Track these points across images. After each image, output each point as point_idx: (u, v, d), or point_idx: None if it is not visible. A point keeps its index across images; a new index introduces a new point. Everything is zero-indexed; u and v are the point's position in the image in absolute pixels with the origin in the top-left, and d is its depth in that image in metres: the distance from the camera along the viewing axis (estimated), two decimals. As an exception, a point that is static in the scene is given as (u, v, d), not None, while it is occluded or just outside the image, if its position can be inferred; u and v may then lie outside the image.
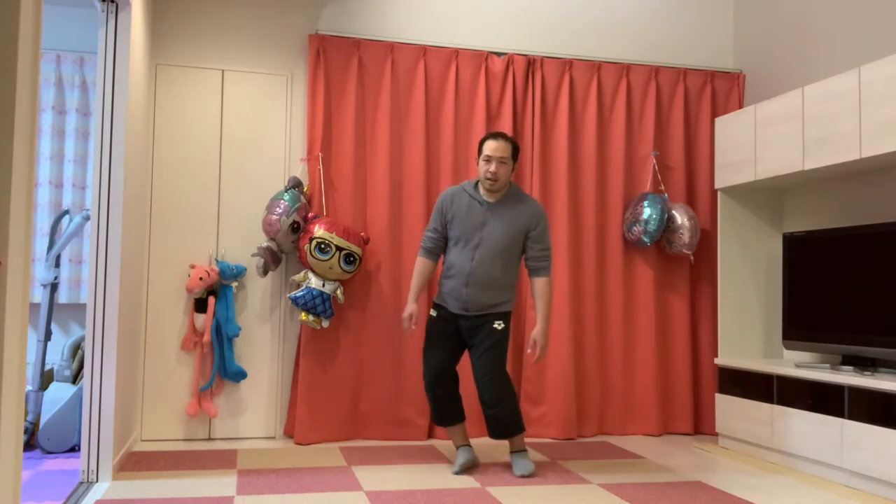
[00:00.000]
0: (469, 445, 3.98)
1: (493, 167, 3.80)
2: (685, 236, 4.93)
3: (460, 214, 3.88)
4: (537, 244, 3.87)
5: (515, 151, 3.88)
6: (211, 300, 4.55)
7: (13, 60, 2.20)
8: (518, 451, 3.92)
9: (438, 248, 3.96)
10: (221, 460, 4.09)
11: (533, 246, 3.87)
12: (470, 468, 3.91)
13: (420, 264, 3.96)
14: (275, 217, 4.45)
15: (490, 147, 3.82)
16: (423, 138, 4.86)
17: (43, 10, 3.89)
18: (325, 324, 4.57)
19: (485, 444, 4.63)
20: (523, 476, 3.81)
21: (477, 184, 3.94)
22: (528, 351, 3.90)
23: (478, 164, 3.89)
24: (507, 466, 4.05)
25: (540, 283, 3.88)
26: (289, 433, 4.68)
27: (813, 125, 4.12)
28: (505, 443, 4.68)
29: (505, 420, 3.83)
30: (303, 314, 4.52)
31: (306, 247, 4.47)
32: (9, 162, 2.19)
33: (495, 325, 3.84)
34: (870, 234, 3.97)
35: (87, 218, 4.38)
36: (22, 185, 2.27)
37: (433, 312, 3.95)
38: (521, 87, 5.03)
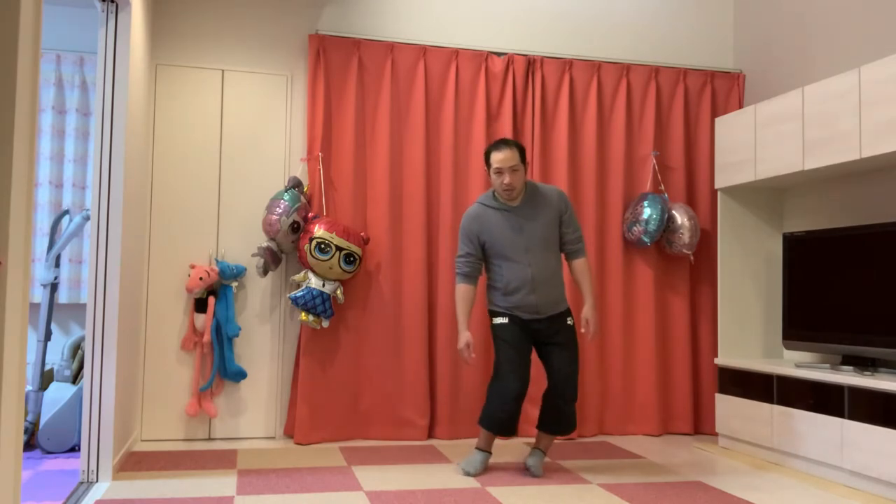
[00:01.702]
0: (491, 453, 3.96)
1: (507, 178, 3.75)
2: (685, 236, 4.93)
3: (495, 231, 3.82)
4: (570, 227, 3.90)
5: (523, 154, 3.83)
6: (211, 300, 4.55)
7: (13, 60, 2.20)
8: (543, 449, 3.94)
9: (477, 270, 3.88)
10: (221, 460, 4.09)
11: (566, 231, 3.89)
12: (477, 476, 3.89)
13: (463, 291, 3.85)
14: (275, 217, 4.45)
15: (498, 159, 3.76)
16: (423, 138, 4.85)
17: (43, 10, 3.89)
18: (325, 324, 4.57)
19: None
20: (528, 469, 3.83)
21: (493, 194, 3.89)
22: (583, 330, 3.89)
23: (489, 176, 3.84)
24: (508, 466, 4.05)
25: (580, 263, 3.91)
26: (289, 433, 4.68)
27: (813, 125, 4.12)
28: (508, 444, 4.68)
29: (572, 417, 3.86)
30: (303, 314, 4.52)
31: (306, 247, 4.47)
32: (9, 162, 2.19)
33: (569, 322, 3.87)
34: (870, 234, 3.97)
35: (87, 218, 4.38)
36: (22, 185, 2.27)
37: (502, 320, 3.83)
38: (521, 87, 5.03)
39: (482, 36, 5.12)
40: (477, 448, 3.94)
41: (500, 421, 3.79)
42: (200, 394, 4.58)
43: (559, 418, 3.84)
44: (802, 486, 3.78)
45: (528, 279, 3.78)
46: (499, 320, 3.85)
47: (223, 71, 4.77)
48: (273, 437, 4.72)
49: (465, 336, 3.80)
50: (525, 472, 3.89)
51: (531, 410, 4.88)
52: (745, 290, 4.85)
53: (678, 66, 5.29)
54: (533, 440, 4.80)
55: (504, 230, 3.81)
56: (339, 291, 4.59)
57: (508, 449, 4.51)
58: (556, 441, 4.75)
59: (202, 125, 4.72)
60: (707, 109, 5.28)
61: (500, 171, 3.77)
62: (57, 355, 4.88)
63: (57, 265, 4.40)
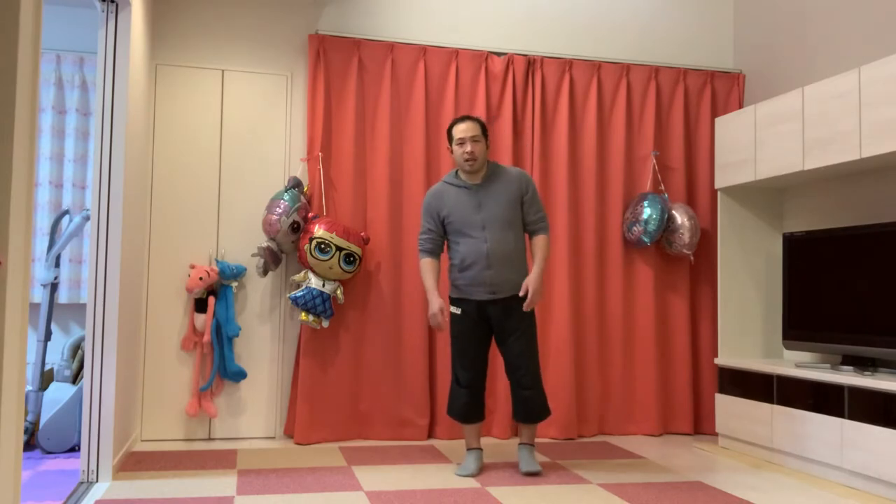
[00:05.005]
0: (481, 449, 3.98)
1: (468, 147, 3.84)
2: (685, 236, 4.93)
3: (453, 207, 3.89)
4: (532, 208, 3.93)
5: (485, 129, 3.92)
6: (211, 300, 4.55)
7: (13, 60, 2.20)
8: (529, 444, 3.94)
9: (438, 247, 3.97)
10: (221, 460, 4.09)
11: (529, 211, 3.93)
12: (476, 475, 3.89)
13: (427, 264, 3.93)
14: (275, 217, 4.45)
15: (460, 130, 3.87)
16: (423, 138, 4.86)
17: (43, 10, 3.89)
18: (325, 324, 4.57)
19: (487, 445, 4.63)
20: (528, 474, 3.82)
21: (457, 173, 3.96)
22: (520, 294, 3.85)
23: (451, 152, 3.93)
24: (508, 466, 4.05)
25: (539, 239, 3.94)
26: (289, 433, 4.68)
27: (813, 125, 4.12)
28: (508, 444, 4.68)
29: (538, 402, 3.87)
30: (303, 314, 4.52)
31: (306, 247, 4.47)
32: (9, 162, 2.19)
33: (524, 308, 3.84)
34: (870, 234, 3.97)
35: (87, 218, 4.38)
36: (22, 185, 2.27)
37: (456, 310, 3.91)
38: (521, 87, 5.03)
39: (482, 36, 5.12)
40: (467, 449, 3.97)
41: (458, 409, 3.91)
42: (200, 394, 4.58)
43: (523, 406, 3.88)
44: (802, 485, 3.78)
45: (484, 254, 3.81)
46: (454, 310, 3.91)
47: (223, 71, 4.77)
48: (273, 437, 4.72)
49: (436, 302, 3.85)
50: (525, 476, 3.86)
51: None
52: (745, 290, 4.85)
53: (678, 66, 5.29)
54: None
55: (463, 207, 3.87)
56: (339, 291, 4.59)
57: (508, 449, 4.51)
58: (556, 441, 4.76)
59: (202, 125, 4.72)
60: (707, 109, 5.28)
61: (462, 142, 3.86)
62: (57, 355, 4.88)
63: (57, 265, 4.40)
